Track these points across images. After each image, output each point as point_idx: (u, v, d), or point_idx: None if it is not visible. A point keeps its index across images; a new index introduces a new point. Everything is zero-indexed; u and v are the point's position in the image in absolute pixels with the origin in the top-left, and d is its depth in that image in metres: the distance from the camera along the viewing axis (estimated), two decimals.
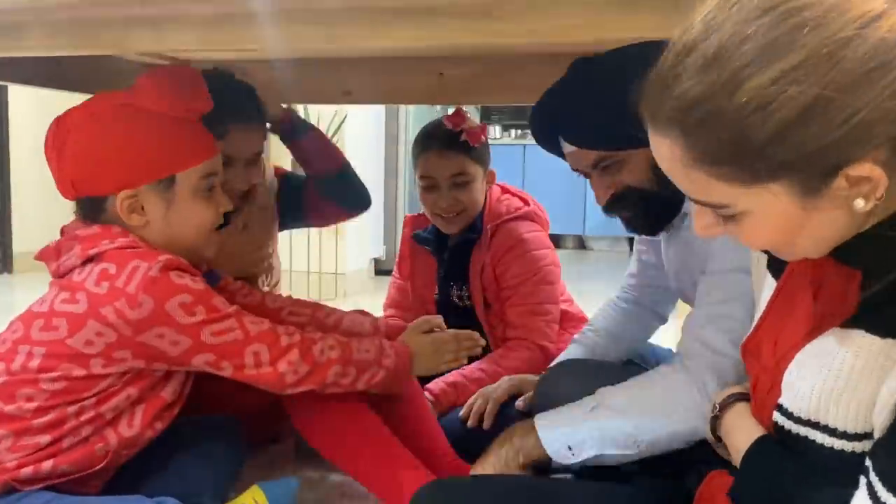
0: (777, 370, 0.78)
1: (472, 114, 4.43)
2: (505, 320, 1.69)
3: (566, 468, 1.07)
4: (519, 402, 1.45)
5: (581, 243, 6.31)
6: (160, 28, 0.97)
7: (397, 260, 1.96)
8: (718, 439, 0.89)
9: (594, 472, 1.07)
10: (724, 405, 0.88)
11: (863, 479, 0.66)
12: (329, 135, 3.40)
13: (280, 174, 1.77)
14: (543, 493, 0.99)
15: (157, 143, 1.09)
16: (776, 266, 0.83)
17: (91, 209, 1.11)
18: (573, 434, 1.05)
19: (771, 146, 0.60)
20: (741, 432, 0.82)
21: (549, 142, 1.23)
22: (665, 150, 0.67)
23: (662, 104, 0.64)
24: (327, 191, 1.69)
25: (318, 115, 3.44)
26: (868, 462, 0.66)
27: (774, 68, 0.58)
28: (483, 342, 1.44)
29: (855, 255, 0.71)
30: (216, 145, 1.18)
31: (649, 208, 1.17)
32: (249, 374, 1.12)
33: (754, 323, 0.86)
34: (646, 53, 0.67)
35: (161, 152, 1.10)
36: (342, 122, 3.51)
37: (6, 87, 4.08)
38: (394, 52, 1.49)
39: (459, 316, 1.75)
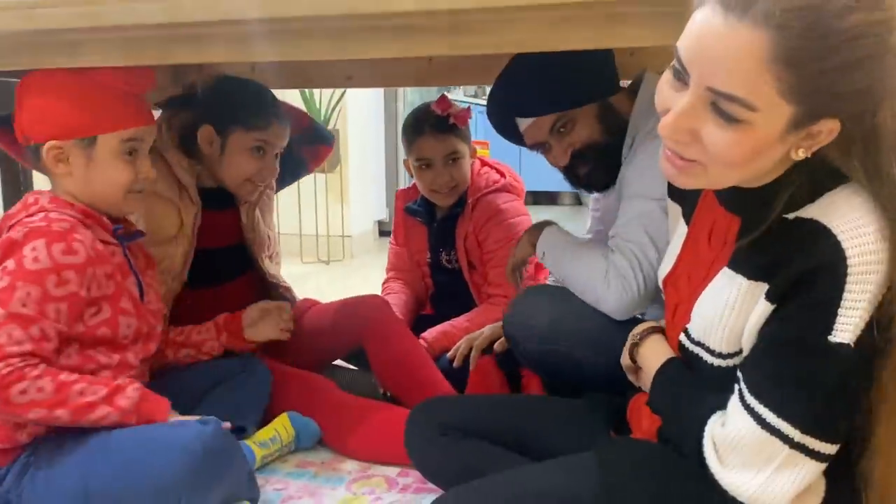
0: (690, 300, 0.94)
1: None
2: (487, 279, 1.90)
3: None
4: (496, 346, 1.66)
5: (578, 199, 6.50)
6: (198, 43, 1.18)
7: (393, 228, 2.15)
8: (634, 362, 1.07)
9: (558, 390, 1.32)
10: (643, 336, 1.05)
11: (736, 387, 0.82)
12: (329, 108, 3.61)
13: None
14: (516, 405, 1.24)
15: (85, 106, 1.23)
16: (687, 214, 1.02)
17: (34, 157, 1.26)
18: (549, 246, 1.44)
19: (832, 72, 0.68)
20: (655, 356, 1.01)
21: (507, 129, 1.44)
22: (743, 42, 0.68)
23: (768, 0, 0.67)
24: (312, 140, 1.90)
25: (320, 89, 3.62)
26: (738, 374, 0.83)
27: (879, 12, 0.66)
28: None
29: (739, 205, 0.86)
30: (147, 118, 1.31)
31: (605, 158, 1.41)
32: None
33: (673, 260, 1.02)
34: None
35: (86, 115, 1.23)
36: (342, 95, 3.66)
37: None
38: None
39: (449, 275, 1.99)
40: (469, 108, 1.86)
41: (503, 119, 1.45)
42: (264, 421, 1.54)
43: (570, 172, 1.45)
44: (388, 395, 1.71)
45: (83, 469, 1.14)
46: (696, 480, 0.86)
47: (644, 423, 1.06)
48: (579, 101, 1.37)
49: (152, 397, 1.21)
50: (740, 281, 0.83)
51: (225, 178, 1.65)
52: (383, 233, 4.48)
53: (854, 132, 0.74)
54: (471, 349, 1.70)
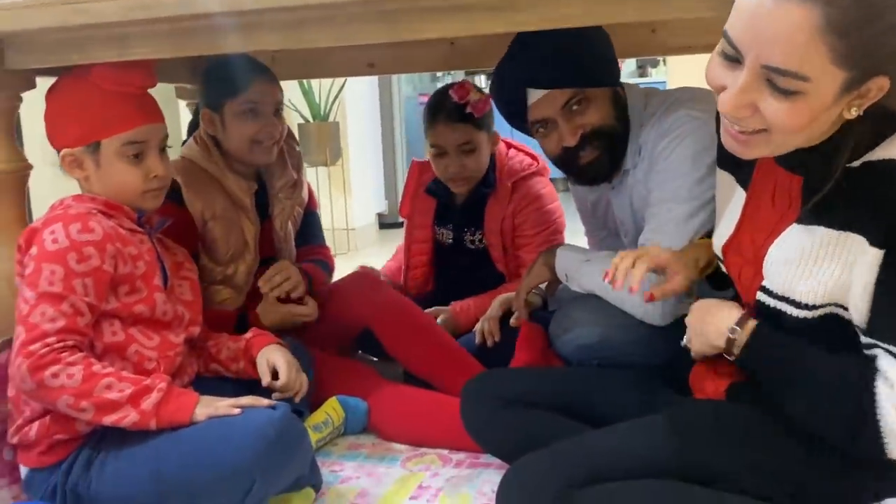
0: (757, 260, 0.96)
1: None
2: (519, 262, 1.90)
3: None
4: (512, 321, 1.62)
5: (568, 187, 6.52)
6: (249, 32, 1.19)
7: (401, 197, 2.12)
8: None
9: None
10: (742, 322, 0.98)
11: (881, 351, 0.83)
12: (329, 101, 3.63)
13: (310, 210, 1.96)
14: (574, 375, 1.27)
15: (84, 113, 1.26)
16: (743, 180, 1.04)
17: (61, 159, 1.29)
18: (570, 269, 1.42)
19: (880, 35, 0.72)
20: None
21: (510, 103, 1.40)
22: (795, 18, 0.73)
23: None
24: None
25: (320, 81, 3.63)
26: (876, 339, 0.84)
27: None
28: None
29: (799, 164, 0.90)
30: (147, 117, 1.30)
31: (614, 146, 1.38)
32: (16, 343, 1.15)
33: (732, 227, 1.04)
34: None
35: (85, 121, 1.26)
36: (341, 88, 3.66)
37: None
38: None
39: (472, 256, 1.98)
40: (489, 97, 1.68)
41: (511, 91, 1.38)
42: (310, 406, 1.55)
43: (570, 157, 1.38)
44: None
45: (155, 455, 1.15)
46: (783, 437, 0.90)
47: (708, 387, 1.08)
48: (599, 81, 1.35)
49: (175, 399, 1.19)
50: (820, 231, 0.86)
51: (234, 150, 1.68)
52: (384, 225, 4.49)
53: None
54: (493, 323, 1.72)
